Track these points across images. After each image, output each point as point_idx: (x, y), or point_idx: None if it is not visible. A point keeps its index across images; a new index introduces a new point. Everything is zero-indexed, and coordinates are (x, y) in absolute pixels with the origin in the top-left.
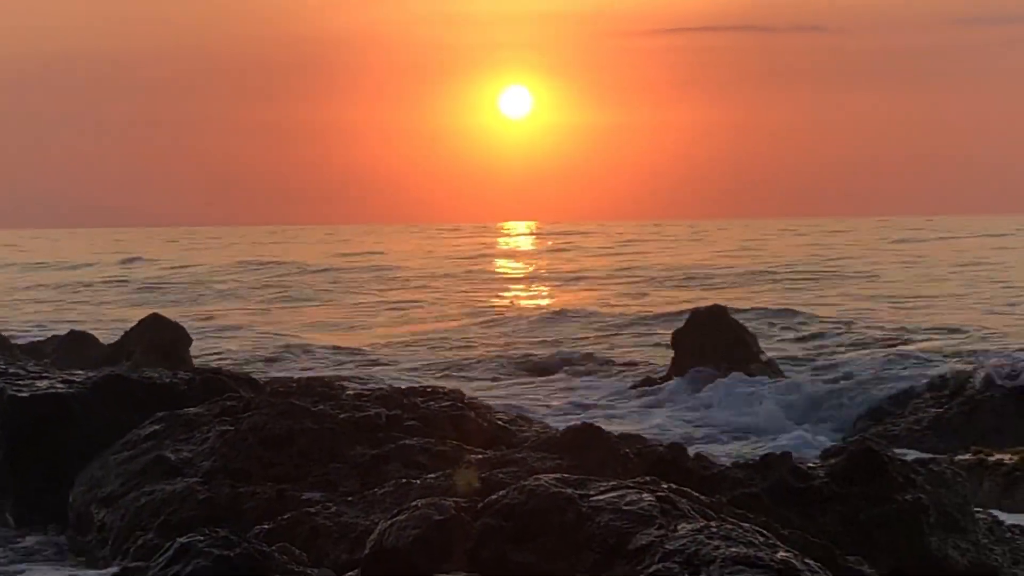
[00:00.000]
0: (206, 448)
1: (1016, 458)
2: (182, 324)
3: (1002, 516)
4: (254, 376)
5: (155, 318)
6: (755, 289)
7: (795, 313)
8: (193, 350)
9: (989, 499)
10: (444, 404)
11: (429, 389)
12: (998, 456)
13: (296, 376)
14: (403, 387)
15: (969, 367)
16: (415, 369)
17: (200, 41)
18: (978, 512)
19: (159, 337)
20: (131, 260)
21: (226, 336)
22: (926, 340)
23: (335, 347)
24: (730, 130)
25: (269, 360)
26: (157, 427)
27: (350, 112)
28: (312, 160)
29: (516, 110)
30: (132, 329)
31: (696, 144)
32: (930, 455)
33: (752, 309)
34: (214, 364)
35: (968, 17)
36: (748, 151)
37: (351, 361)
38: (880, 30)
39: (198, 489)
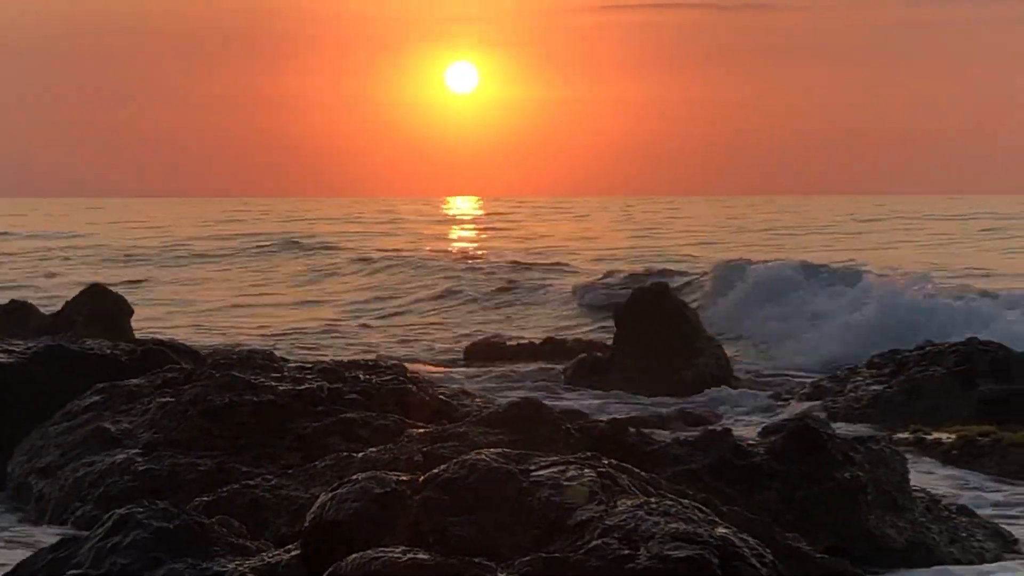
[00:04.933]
0: (147, 420)
1: (955, 437)
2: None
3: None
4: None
5: (96, 289)
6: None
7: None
8: None
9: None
10: (386, 378)
11: (371, 363)
12: (937, 435)
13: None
14: (345, 360)
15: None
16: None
17: (143, 11)
18: (915, 490)
19: (100, 308)
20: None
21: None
22: None
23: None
24: (678, 106)
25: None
26: (97, 398)
27: (297, 85)
28: (256, 132)
29: (463, 85)
30: (73, 299)
31: (644, 120)
32: (869, 433)
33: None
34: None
35: None
36: (696, 128)
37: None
38: (829, 8)
39: (138, 461)
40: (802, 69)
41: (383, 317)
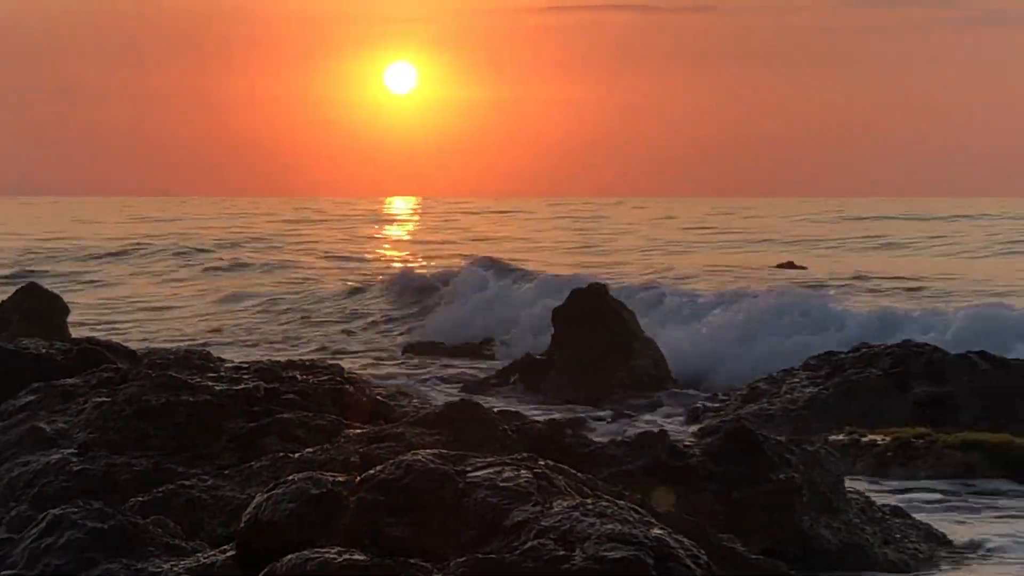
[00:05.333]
0: (82, 419)
1: (890, 439)
2: None
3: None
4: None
5: (32, 287)
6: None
7: None
8: None
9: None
10: (323, 378)
11: (308, 363)
12: (871, 436)
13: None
14: (282, 360)
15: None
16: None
17: (83, 8)
18: (850, 492)
19: (36, 307)
20: None
21: None
22: None
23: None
24: (619, 108)
25: None
26: (32, 398)
27: (235, 84)
28: (195, 131)
29: (402, 85)
30: (8, 299)
31: (585, 122)
32: (804, 435)
33: None
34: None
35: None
36: (637, 129)
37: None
38: (771, 11)
39: (73, 461)
40: (744, 72)
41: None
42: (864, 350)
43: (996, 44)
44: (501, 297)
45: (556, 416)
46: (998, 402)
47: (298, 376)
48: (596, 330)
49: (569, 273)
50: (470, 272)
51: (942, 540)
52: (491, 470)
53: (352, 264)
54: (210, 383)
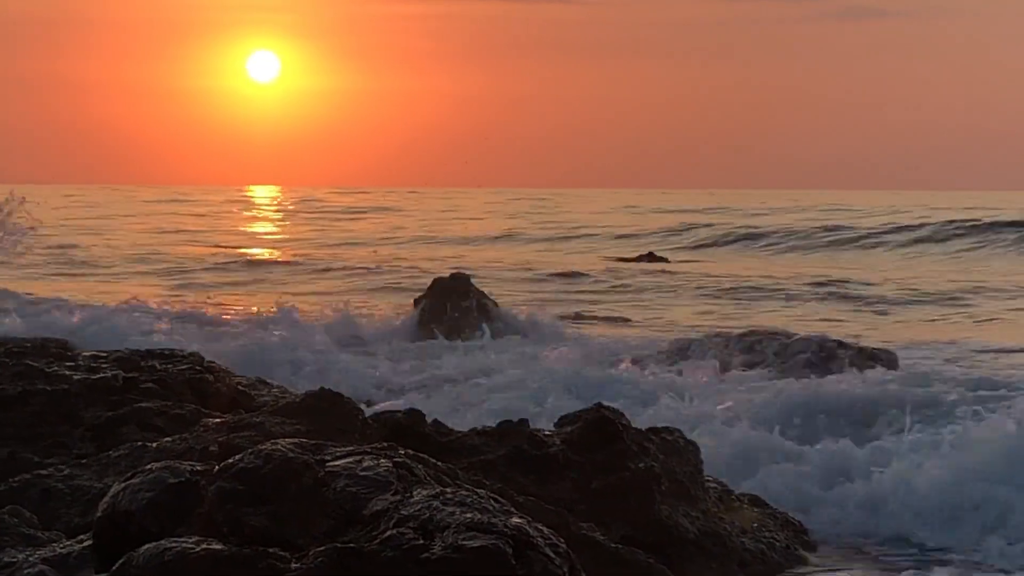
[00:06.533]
0: None
1: None
2: None
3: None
4: None
5: None
6: None
7: None
8: None
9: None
10: (182, 367)
11: (168, 352)
12: None
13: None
14: (142, 349)
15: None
16: None
17: None
18: (709, 480)
19: None
20: None
21: None
22: None
23: None
24: (483, 98)
25: None
26: None
27: (92, 68)
28: (54, 118)
29: (264, 74)
30: None
31: (449, 112)
32: (664, 424)
33: None
34: None
35: None
36: (502, 120)
37: None
38: (636, 3)
39: None
40: (607, 63)
41: None
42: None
43: (852, 38)
44: None
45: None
46: None
47: (157, 365)
48: (459, 317)
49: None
50: None
51: (799, 529)
52: (350, 459)
53: None
54: (68, 372)
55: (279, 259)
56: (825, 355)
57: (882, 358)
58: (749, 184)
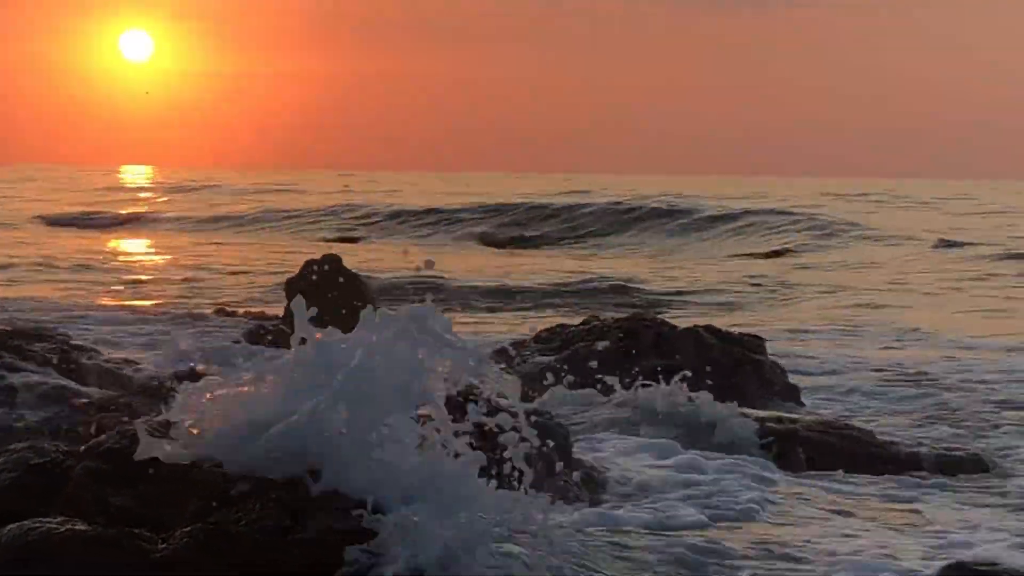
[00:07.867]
0: None
1: None
2: None
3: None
4: None
5: None
6: None
7: None
8: None
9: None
10: (52, 346)
11: (37, 331)
12: None
13: None
14: (7, 328)
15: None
16: None
17: None
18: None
19: None
20: None
21: None
22: None
23: None
24: (360, 80)
25: None
26: None
27: None
28: None
29: (137, 53)
30: None
31: (324, 94)
32: (534, 406)
33: None
34: None
35: None
36: (381, 102)
37: None
38: None
39: None
40: (492, 47)
41: None
42: (594, 323)
43: (716, 30)
44: None
45: None
46: (722, 374)
47: (24, 345)
48: (332, 300)
49: None
50: None
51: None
52: None
53: None
54: None
55: None
56: None
57: None
58: (610, 169)
